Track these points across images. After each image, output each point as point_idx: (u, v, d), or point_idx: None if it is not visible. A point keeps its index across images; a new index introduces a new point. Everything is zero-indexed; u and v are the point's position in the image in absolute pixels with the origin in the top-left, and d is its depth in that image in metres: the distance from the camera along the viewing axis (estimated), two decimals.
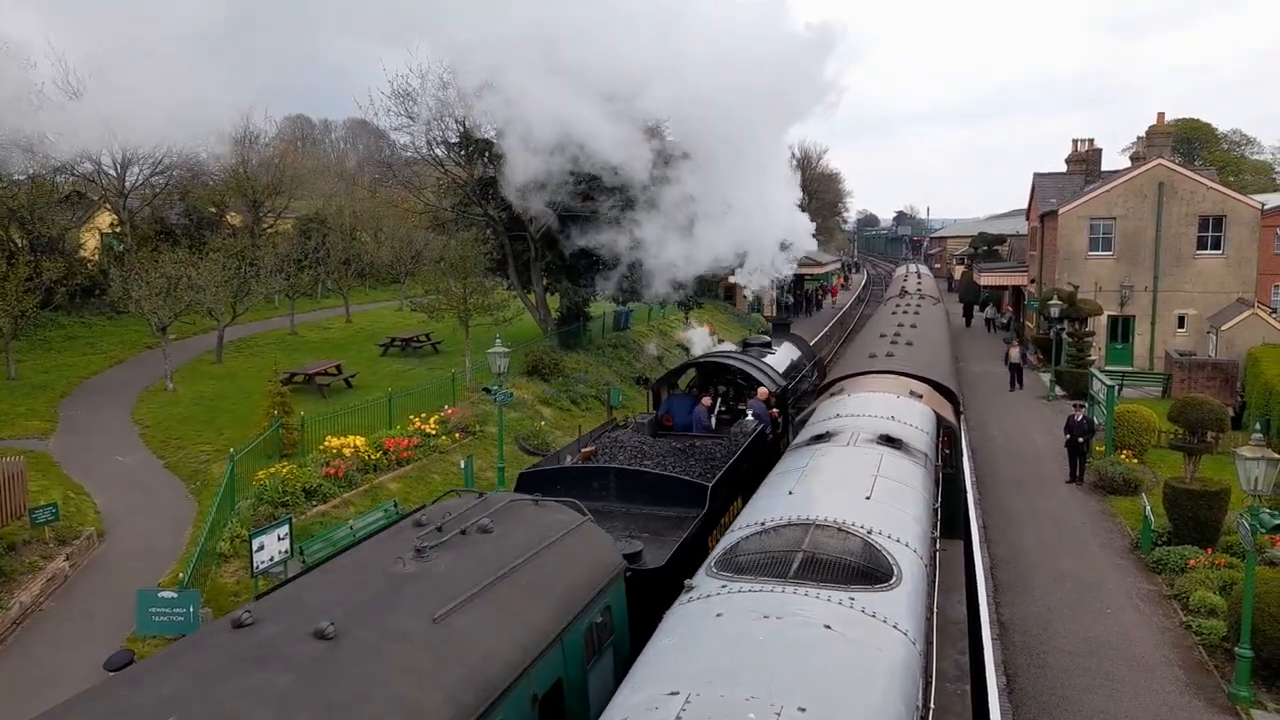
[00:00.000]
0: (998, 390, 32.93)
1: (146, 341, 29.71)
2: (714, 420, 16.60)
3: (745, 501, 10.62)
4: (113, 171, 34.63)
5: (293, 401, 20.91)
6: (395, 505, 16.55)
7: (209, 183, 40.73)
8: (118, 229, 36.38)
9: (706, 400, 16.87)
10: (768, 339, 22.37)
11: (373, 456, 18.64)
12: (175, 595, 12.18)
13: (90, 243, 37.74)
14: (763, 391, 17.04)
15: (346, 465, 17.83)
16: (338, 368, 26.51)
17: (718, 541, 8.99)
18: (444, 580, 6.54)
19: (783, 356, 20.97)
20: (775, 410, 17.09)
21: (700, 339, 32.67)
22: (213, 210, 41.71)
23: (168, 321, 25.62)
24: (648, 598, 8.21)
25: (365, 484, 17.94)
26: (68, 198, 35.79)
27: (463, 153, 30.45)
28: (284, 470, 16.89)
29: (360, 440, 18.86)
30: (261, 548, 12.86)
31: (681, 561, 9.20)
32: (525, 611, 6.71)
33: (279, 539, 13.18)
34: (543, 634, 6.68)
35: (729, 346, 32.12)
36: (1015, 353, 34.36)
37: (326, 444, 18.59)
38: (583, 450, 13.63)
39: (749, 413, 16.27)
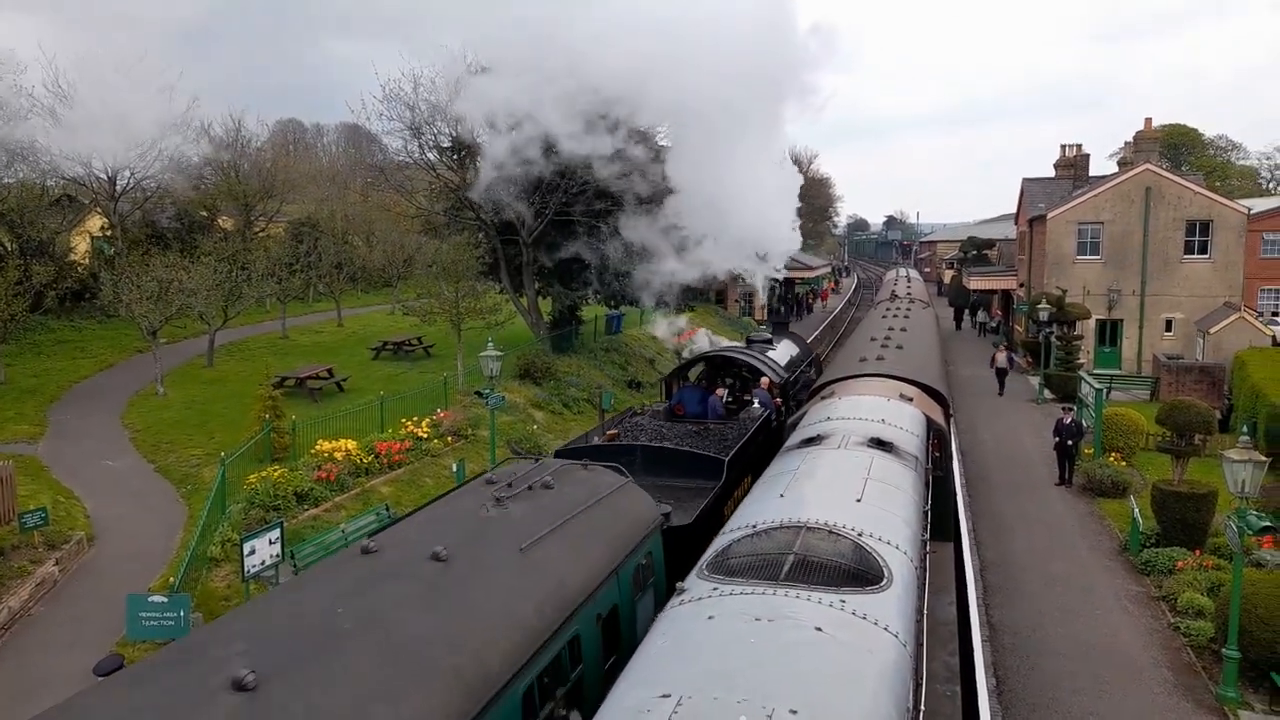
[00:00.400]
0: (987, 394, 33.06)
1: (137, 345, 29.60)
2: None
3: (755, 479, 11.44)
4: (103, 175, 34.51)
5: (284, 405, 20.87)
6: (387, 509, 16.51)
7: (199, 187, 40.60)
8: (108, 232, 36.21)
9: (720, 391, 18.30)
10: (769, 336, 23.48)
11: (364, 460, 18.60)
12: (165, 600, 12.12)
13: (80, 246, 37.56)
14: (765, 381, 18.26)
15: (338, 469, 17.79)
16: (329, 371, 26.47)
17: (733, 511, 9.93)
18: (522, 523, 7.91)
19: (783, 352, 22.20)
20: (779, 400, 18.33)
21: (665, 329, 35.28)
22: (204, 214, 41.58)
23: (158, 325, 25.54)
24: (677, 551, 9.80)
25: (357, 488, 17.91)
26: (58, 201, 35.62)
27: (455, 157, 30.47)
28: (275, 474, 16.84)
29: (352, 444, 18.83)
30: (253, 552, 12.82)
31: (705, 523, 10.71)
32: (588, 549, 8.08)
33: (270, 543, 13.14)
34: (602, 568, 8.07)
35: (705, 335, 33.41)
36: (1002, 358, 34.16)
37: (318, 448, 18.54)
38: (607, 433, 15.05)
39: (755, 401, 17.65)
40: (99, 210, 36.61)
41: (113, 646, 12.19)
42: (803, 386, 20.95)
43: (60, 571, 14.53)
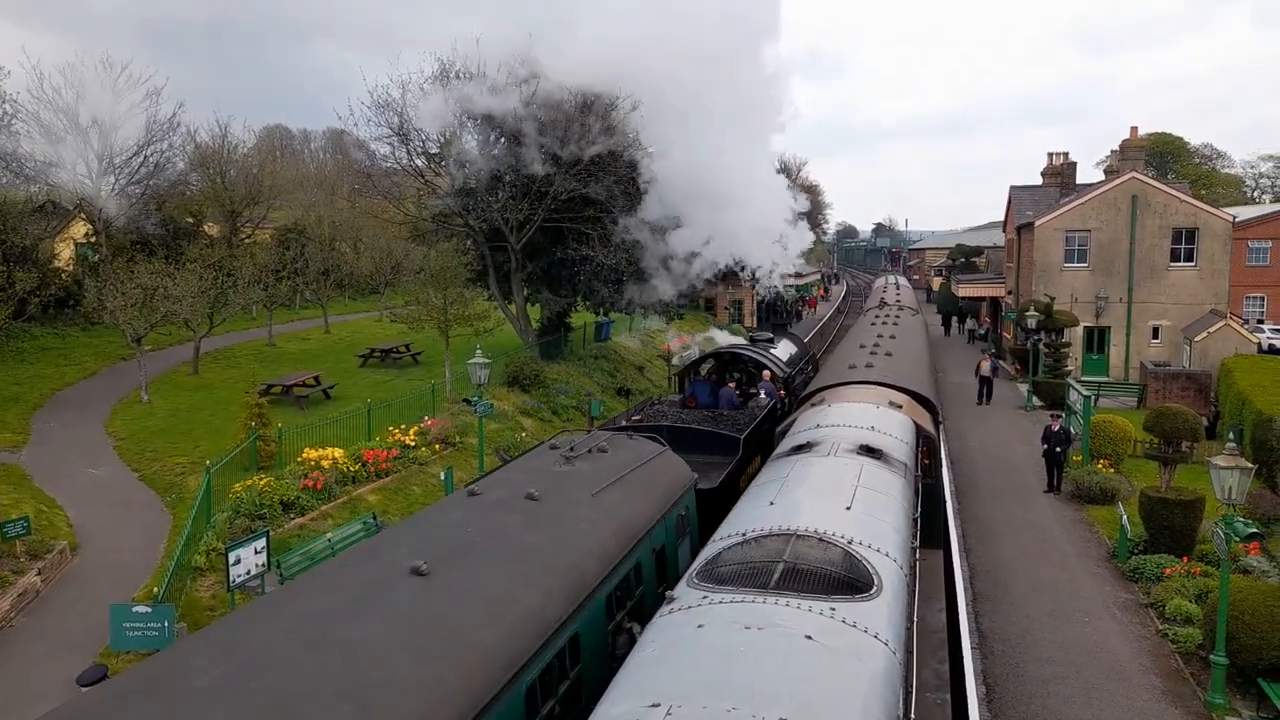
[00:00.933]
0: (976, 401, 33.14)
1: (121, 353, 29.37)
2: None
3: (763, 461, 13.05)
4: (88, 181, 34.27)
5: (270, 413, 20.70)
6: (374, 517, 16.41)
7: (185, 193, 40.37)
8: (93, 239, 35.94)
9: (732, 384, 20.08)
10: (770, 335, 25.27)
11: (351, 468, 18.47)
12: (149, 610, 11.97)
13: (65, 253, 37.24)
14: (767, 374, 20.34)
15: (325, 477, 17.64)
16: (316, 379, 26.31)
17: (747, 483, 11.56)
18: (589, 475, 9.83)
19: (784, 350, 24.16)
20: (782, 392, 20.35)
21: (634, 344, 37.96)
22: (190, 220, 41.33)
23: (143, 333, 25.33)
24: (704, 509, 11.90)
25: (344, 496, 17.77)
26: (41, 207, 35.35)
27: (442, 163, 30.37)
28: (261, 482, 16.70)
29: (339, 452, 18.69)
30: (238, 561, 12.69)
31: (727, 488, 12.82)
32: (641, 498, 9.90)
33: (256, 552, 13.01)
34: (653, 513, 9.92)
35: (675, 336, 34.83)
36: (986, 366, 33.76)
37: (304, 456, 18.39)
38: (632, 419, 16.67)
39: (761, 392, 19.62)
40: (83, 217, 36.33)
41: (96, 657, 12.03)
42: (803, 382, 22.47)
43: (43, 581, 14.35)
